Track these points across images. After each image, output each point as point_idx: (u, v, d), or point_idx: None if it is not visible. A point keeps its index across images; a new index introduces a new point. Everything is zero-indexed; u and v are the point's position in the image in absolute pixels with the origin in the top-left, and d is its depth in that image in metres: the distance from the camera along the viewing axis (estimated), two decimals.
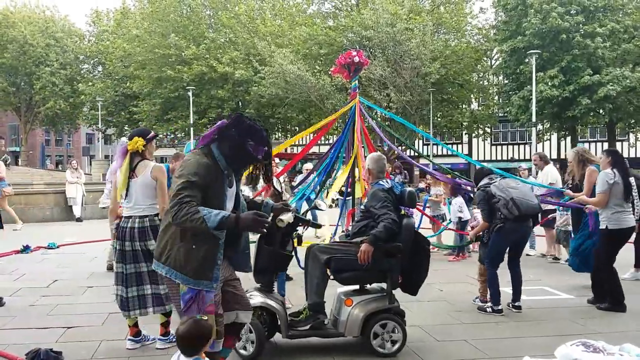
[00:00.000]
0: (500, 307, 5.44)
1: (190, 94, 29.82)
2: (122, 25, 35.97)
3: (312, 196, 8.29)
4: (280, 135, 37.44)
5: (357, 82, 8.26)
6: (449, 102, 31.75)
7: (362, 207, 5.06)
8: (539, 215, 8.57)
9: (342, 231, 7.84)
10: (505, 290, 5.67)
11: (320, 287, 4.23)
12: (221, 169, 3.05)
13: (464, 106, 33.36)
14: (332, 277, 4.32)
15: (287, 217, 3.41)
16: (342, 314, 4.24)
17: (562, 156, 32.12)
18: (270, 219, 3.23)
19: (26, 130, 41.43)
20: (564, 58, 25.69)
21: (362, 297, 4.28)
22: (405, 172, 19.58)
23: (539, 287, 6.65)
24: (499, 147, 42.26)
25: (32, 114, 40.62)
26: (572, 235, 7.72)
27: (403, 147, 25.75)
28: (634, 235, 6.38)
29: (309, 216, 7.02)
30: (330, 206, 11.03)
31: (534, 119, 24.86)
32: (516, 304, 5.56)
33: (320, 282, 4.24)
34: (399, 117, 15.39)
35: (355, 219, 6.01)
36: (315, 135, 9.86)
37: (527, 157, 34.82)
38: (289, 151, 38.34)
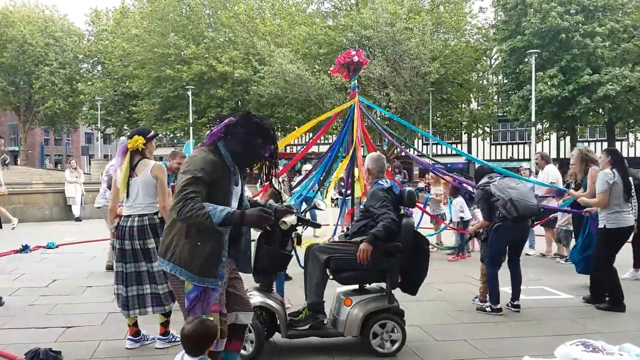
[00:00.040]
0: (499, 307, 5.45)
1: (189, 93, 29.80)
2: (122, 24, 35.91)
3: (310, 195, 8.27)
4: (279, 134, 37.41)
5: (356, 81, 8.26)
6: (449, 102, 31.75)
7: (361, 206, 5.06)
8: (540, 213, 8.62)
9: (342, 231, 7.83)
10: (505, 290, 5.67)
11: (320, 287, 4.23)
12: (228, 166, 3.05)
13: (463, 106, 33.37)
14: (331, 276, 4.32)
15: (291, 220, 3.41)
16: (341, 314, 4.24)
17: (562, 156, 32.16)
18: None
19: (25, 130, 41.41)
20: (563, 57, 25.70)
21: (362, 297, 4.28)
22: (405, 171, 19.59)
23: (538, 287, 6.65)
24: (498, 147, 42.30)
25: (31, 114, 40.60)
26: (573, 235, 7.72)
27: (404, 146, 25.74)
28: (632, 236, 6.37)
29: (308, 216, 7.02)
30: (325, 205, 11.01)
31: (533, 118, 24.87)
32: (515, 303, 5.57)
33: (319, 281, 4.24)
34: (398, 117, 15.42)
35: (355, 218, 6.01)
36: (315, 135, 9.84)
37: (527, 156, 34.84)
38: (288, 150, 38.29)
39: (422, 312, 5.38)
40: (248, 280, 3.99)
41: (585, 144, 25.07)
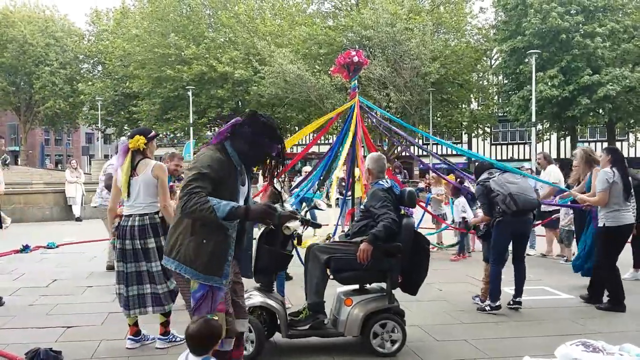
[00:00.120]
0: (498, 304, 5.44)
1: (189, 93, 29.81)
2: (122, 24, 35.94)
3: (309, 196, 8.28)
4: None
5: (356, 81, 8.26)
6: (449, 102, 31.77)
7: (362, 206, 5.06)
8: (542, 214, 8.61)
9: (342, 231, 7.83)
10: (506, 290, 5.66)
11: (320, 287, 4.23)
12: (235, 166, 3.05)
13: (463, 106, 33.39)
14: (331, 276, 4.32)
15: (294, 225, 3.42)
16: (341, 314, 4.24)
17: (562, 156, 32.15)
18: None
19: (26, 130, 41.44)
20: (563, 58, 25.71)
21: (362, 297, 4.28)
22: (405, 171, 19.61)
23: (539, 287, 6.65)
24: (498, 147, 42.31)
25: (32, 114, 40.62)
26: (575, 236, 7.71)
27: (406, 144, 25.76)
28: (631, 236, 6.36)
29: (308, 216, 7.03)
30: (330, 205, 11.01)
31: (533, 118, 24.87)
32: (517, 299, 5.56)
33: (319, 281, 4.23)
34: (398, 117, 15.44)
35: (355, 218, 6.01)
36: (315, 135, 9.84)
37: (527, 156, 34.85)
38: (288, 151, 38.15)
39: (422, 312, 5.38)
40: (248, 280, 3.99)
41: (586, 144, 25.13)
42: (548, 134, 32.43)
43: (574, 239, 7.99)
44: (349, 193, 8.50)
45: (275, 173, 3.23)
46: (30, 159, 44.05)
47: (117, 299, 4.48)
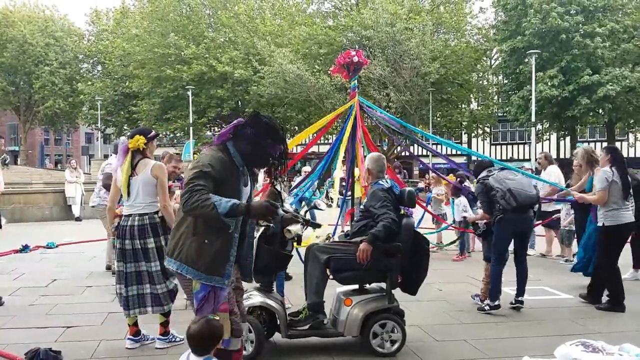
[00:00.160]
0: (497, 303, 5.44)
1: (189, 93, 29.80)
2: (122, 24, 35.91)
3: (308, 195, 8.28)
4: None
5: (356, 81, 8.26)
6: (449, 102, 31.77)
7: (361, 206, 5.06)
8: (543, 214, 8.60)
9: (342, 231, 7.83)
10: (506, 290, 5.66)
11: (320, 287, 4.23)
12: (237, 166, 3.06)
13: (463, 106, 33.38)
14: (331, 276, 4.32)
15: (296, 228, 3.43)
16: (341, 314, 4.24)
17: (562, 156, 32.17)
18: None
19: (25, 130, 41.41)
20: (563, 58, 25.72)
21: (362, 297, 4.28)
22: (405, 171, 19.61)
23: (539, 287, 6.64)
24: (498, 147, 42.31)
25: (32, 113, 40.59)
26: (576, 236, 7.71)
27: (408, 143, 25.77)
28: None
29: (308, 216, 7.03)
30: (330, 205, 11.01)
31: (533, 118, 24.88)
32: (519, 299, 5.55)
33: (319, 281, 4.24)
34: (398, 117, 15.40)
35: (355, 218, 6.01)
36: (315, 135, 9.84)
37: (527, 156, 34.85)
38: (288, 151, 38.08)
39: (422, 312, 5.38)
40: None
41: (585, 144, 25.18)
42: (548, 134, 32.43)
43: (575, 239, 8.00)
44: (349, 193, 8.50)
45: (277, 173, 3.24)
46: (30, 158, 44.02)
47: (116, 298, 4.48)
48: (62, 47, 38.13)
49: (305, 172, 10.98)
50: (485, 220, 5.78)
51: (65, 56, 38.06)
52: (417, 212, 8.44)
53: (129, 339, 4.40)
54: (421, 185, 15.15)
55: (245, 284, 3.49)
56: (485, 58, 33.78)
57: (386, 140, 27.76)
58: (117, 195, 4.58)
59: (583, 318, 5.33)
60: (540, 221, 8.53)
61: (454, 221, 9.20)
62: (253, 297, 4.08)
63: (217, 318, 2.87)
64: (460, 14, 31.08)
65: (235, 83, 30.23)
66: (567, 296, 6.28)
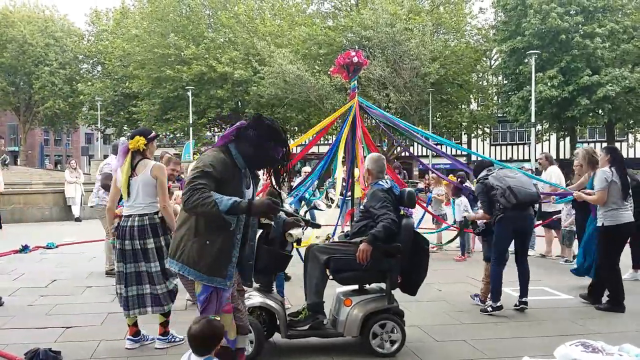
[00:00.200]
0: (499, 304, 5.43)
1: (189, 93, 29.80)
2: (122, 25, 35.93)
3: (307, 195, 8.28)
4: None
5: (356, 82, 8.26)
6: (448, 103, 31.77)
7: (361, 207, 5.06)
8: (544, 214, 8.59)
9: (342, 231, 7.83)
10: (507, 291, 5.66)
11: (320, 287, 4.23)
12: (239, 168, 3.07)
13: (463, 106, 33.38)
14: (331, 277, 4.32)
15: (297, 233, 3.46)
16: (341, 314, 4.24)
17: (562, 156, 32.18)
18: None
19: (25, 130, 41.39)
20: (563, 58, 25.73)
21: (361, 297, 4.28)
22: (405, 172, 19.61)
23: (538, 287, 6.64)
24: (498, 148, 42.31)
25: (31, 114, 40.58)
26: (577, 237, 7.70)
27: (407, 142, 25.80)
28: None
29: (307, 216, 7.03)
30: (329, 206, 11.01)
31: (533, 119, 24.89)
32: (523, 299, 5.54)
33: (319, 282, 4.24)
34: (398, 117, 15.38)
35: (355, 219, 6.01)
36: (315, 135, 9.85)
37: (526, 157, 34.85)
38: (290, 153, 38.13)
39: (421, 313, 5.38)
40: None
41: (585, 144, 25.16)
42: (547, 134, 32.43)
43: (575, 239, 7.99)
44: (349, 193, 8.49)
45: (281, 177, 3.24)
46: (30, 159, 43.99)
47: (116, 299, 4.49)
48: (62, 48, 38.13)
49: (305, 172, 10.98)
50: (485, 220, 5.78)
51: (65, 56, 38.06)
52: (417, 212, 8.44)
53: (128, 339, 4.40)
54: (421, 185, 15.15)
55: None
56: (485, 58, 33.78)
57: (386, 140, 27.75)
58: (117, 195, 4.58)
59: (583, 318, 5.33)
60: (540, 221, 8.54)
61: (454, 222, 9.20)
62: (253, 297, 4.08)
63: (218, 318, 2.87)
64: (460, 14, 31.08)
65: (235, 83, 30.23)
66: (567, 296, 6.29)
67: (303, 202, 7.48)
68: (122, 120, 36.82)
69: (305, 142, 12.50)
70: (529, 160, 26.91)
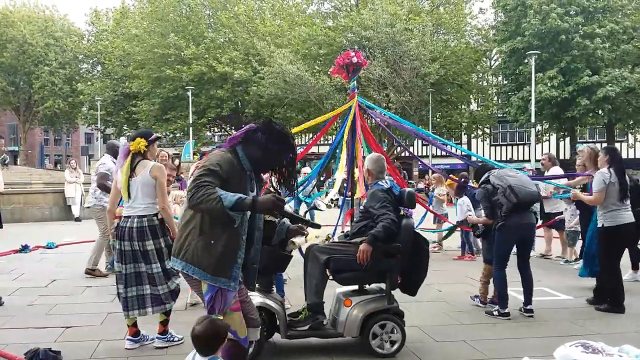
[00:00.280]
0: (507, 311, 5.36)
1: (189, 93, 29.80)
2: (122, 24, 35.90)
3: (302, 197, 8.28)
4: None
5: (355, 82, 8.26)
6: (448, 103, 31.77)
7: (361, 207, 5.06)
8: (547, 215, 8.58)
9: (342, 231, 7.83)
10: (510, 292, 5.65)
11: (320, 288, 4.23)
12: (245, 170, 3.08)
13: (463, 107, 33.38)
14: (331, 277, 4.32)
15: (300, 241, 3.49)
16: (341, 314, 4.24)
17: (562, 157, 32.17)
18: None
19: (25, 130, 41.37)
20: (563, 59, 25.74)
21: (361, 298, 4.28)
22: (405, 172, 19.60)
23: (538, 288, 6.62)
24: (498, 148, 42.31)
25: (31, 114, 40.56)
26: (581, 237, 7.70)
27: (407, 143, 25.80)
28: None
29: (307, 216, 7.03)
30: (329, 206, 11.02)
31: (533, 119, 24.89)
32: (528, 307, 5.43)
33: (319, 282, 4.24)
34: (398, 117, 15.39)
35: (355, 219, 6.01)
36: (315, 135, 9.87)
37: (527, 157, 34.86)
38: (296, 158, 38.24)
39: (421, 313, 5.38)
40: None
41: (585, 144, 25.19)
42: (547, 134, 32.43)
43: (579, 239, 7.97)
44: (349, 193, 8.50)
45: (288, 181, 3.25)
46: (30, 159, 43.96)
47: (116, 298, 4.48)
48: (62, 47, 38.11)
49: (305, 173, 11.00)
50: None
51: (65, 56, 38.04)
52: (417, 212, 8.43)
53: (128, 339, 4.40)
54: (421, 185, 15.16)
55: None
56: (485, 59, 33.78)
57: (386, 140, 27.75)
58: (117, 197, 4.59)
59: (583, 319, 5.33)
60: (543, 222, 8.53)
61: (457, 223, 9.19)
62: (253, 297, 4.07)
63: (221, 317, 2.87)
64: (459, 14, 31.09)
65: (235, 83, 30.23)
66: (566, 297, 6.29)
67: (302, 202, 7.49)
68: (122, 120, 36.81)
69: (306, 142, 12.51)
70: (529, 161, 26.91)
